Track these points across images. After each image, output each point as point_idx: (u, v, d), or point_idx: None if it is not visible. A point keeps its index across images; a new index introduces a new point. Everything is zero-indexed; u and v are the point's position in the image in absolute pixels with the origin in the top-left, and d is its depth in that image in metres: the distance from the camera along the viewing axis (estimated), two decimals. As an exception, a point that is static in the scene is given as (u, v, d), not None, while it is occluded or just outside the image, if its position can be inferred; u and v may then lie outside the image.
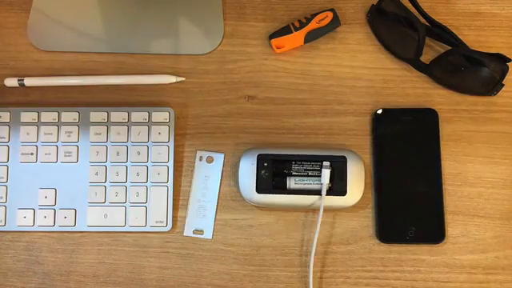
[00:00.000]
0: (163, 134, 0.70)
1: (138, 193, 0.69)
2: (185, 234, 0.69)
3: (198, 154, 0.71)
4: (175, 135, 0.71)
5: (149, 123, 0.70)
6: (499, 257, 0.68)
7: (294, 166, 0.67)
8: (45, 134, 0.70)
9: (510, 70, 0.68)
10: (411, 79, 0.73)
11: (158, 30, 0.74)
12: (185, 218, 0.70)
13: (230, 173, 0.71)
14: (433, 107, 0.72)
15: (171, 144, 0.70)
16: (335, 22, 0.73)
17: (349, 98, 0.73)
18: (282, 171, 0.67)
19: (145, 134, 0.70)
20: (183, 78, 0.73)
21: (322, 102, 0.72)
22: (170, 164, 0.70)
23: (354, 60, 0.74)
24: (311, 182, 0.66)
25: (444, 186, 0.70)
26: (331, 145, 0.71)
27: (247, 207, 0.70)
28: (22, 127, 0.70)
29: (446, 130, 0.71)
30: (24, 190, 0.69)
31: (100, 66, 0.74)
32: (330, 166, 0.66)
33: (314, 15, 0.73)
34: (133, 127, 0.70)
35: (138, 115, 0.71)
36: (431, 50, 0.74)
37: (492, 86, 0.70)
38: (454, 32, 0.71)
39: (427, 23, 0.72)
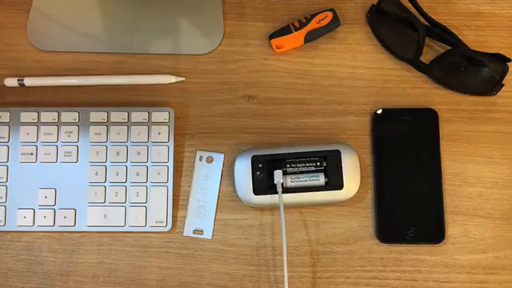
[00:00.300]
0: (163, 134, 0.70)
1: (137, 193, 0.69)
2: (185, 234, 0.69)
3: (198, 154, 0.71)
4: (175, 135, 0.71)
5: (149, 123, 0.70)
6: (499, 257, 0.68)
7: (289, 165, 0.67)
8: (45, 134, 0.70)
9: (510, 69, 0.68)
10: (411, 79, 0.73)
11: (158, 29, 0.74)
12: (185, 218, 0.70)
13: (230, 173, 0.71)
14: (433, 107, 0.72)
15: (171, 144, 0.70)
16: (335, 22, 0.73)
17: (349, 98, 0.73)
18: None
19: (145, 134, 0.70)
20: (183, 78, 0.73)
21: (322, 102, 0.72)
22: (170, 164, 0.70)
23: (354, 60, 0.74)
24: (307, 178, 0.66)
25: (444, 186, 0.70)
26: (325, 140, 0.71)
27: (247, 207, 0.70)
28: (21, 127, 0.70)
29: (446, 130, 0.71)
30: (24, 190, 0.69)
31: (100, 66, 0.74)
32: (325, 160, 0.67)
33: (313, 15, 0.73)
34: (133, 127, 0.70)
35: (138, 115, 0.71)
36: (431, 50, 0.74)
37: (492, 86, 0.70)
38: (454, 32, 0.71)
39: (427, 23, 0.72)
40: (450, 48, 0.71)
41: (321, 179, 0.66)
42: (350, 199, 0.68)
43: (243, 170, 0.67)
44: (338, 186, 0.66)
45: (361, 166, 0.69)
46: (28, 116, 0.71)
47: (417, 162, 0.70)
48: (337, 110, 0.72)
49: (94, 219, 0.69)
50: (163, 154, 0.70)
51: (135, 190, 0.69)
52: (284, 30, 0.73)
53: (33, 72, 0.73)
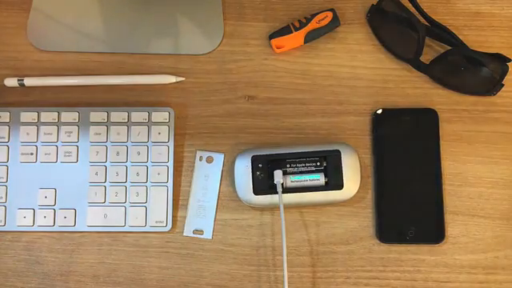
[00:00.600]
0: (163, 133, 0.70)
1: (137, 193, 0.69)
2: (185, 234, 0.69)
3: (198, 154, 0.71)
4: (175, 135, 0.71)
5: (149, 123, 0.70)
6: (499, 257, 0.68)
7: (289, 165, 0.67)
8: (45, 133, 0.70)
9: (510, 69, 0.68)
10: (411, 79, 0.73)
11: (158, 29, 0.74)
12: (185, 218, 0.70)
13: (230, 173, 0.71)
14: (433, 107, 0.72)
15: (171, 144, 0.70)
16: (335, 22, 0.73)
17: (349, 98, 0.73)
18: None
19: (145, 134, 0.70)
20: (183, 78, 0.73)
21: (322, 102, 0.72)
22: (170, 164, 0.70)
23: (354, 60, 0.74)
24: (307, 178, 0.66)
25: (444, 186, 0.70)
26: (325, 140, 0.70)
27: (247, 207, 0.70)
28: (21, 127, 0.70)
29: (445, 130, 0.71)
30: (24, 189, 0.69)
31: (100, 66, 0.74)
32: (325, 160, 0.67)
33: (313, 15, 0.73)
34: (133, 127, 0.70)
35: (138, 115, 0.71)
36: (431, 50, 0.74)
37: (492, 86, 0.70)
38: (454, 32, 0.71)
39: (427, 23, 0.72)
40: (449, 48, 0.71)
41: (321, 179, 0.66)
42: (350, 199, 0.68)
43: (243, 170, 0.67)
44: (338, 185, 0.66)
45: (361, 166, 0.69)
46: (28, 116, 0.71)
47: (417, 161, 0.70)
48: (337, 109, 0.72)
49: (93, 219, 0.69)
50: (163, 154, 0.70)
51: (135, 189, 0.69)
52: (284, 30, 0.73)
53: (33, 72, 0.73)
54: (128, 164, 0.70)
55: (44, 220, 0.69)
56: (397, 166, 0.70)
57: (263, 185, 0.67)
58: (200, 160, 0.71)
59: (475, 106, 0.72)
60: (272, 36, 0.73)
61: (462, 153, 0.71)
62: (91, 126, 0.70)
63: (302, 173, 0.67)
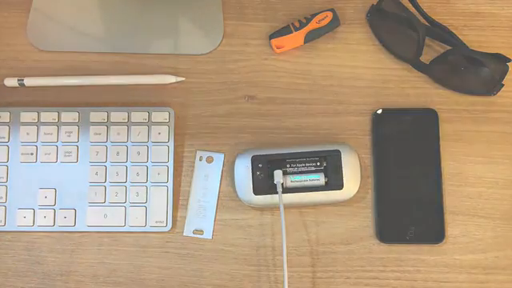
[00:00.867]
0: (163, 133, 0.70)
1: (137, 193, 0.69)
2: (185, 234, 0.69)
3: (198, 153, 0.71)
4: (175, 135, 0.71)
5: (149, 123, 0.70)
6: (499, 257, 0.68)
7: (289, 165, 0.67)
8: (45, 133, 0.70)
9: (510, 69, 0.68)
10: (411, 79, 0.73)
11: (158, 30, 0.74)
12: (185, 218, 0.70)
13: (230, 173, 0.71)
14: (433, 107, 0.72)
15: (171, 144, 0.70)
16: (335, 22, 0.73)
17: (349, 98, 0.73)
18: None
19: (145, 134, 0.70)
20: (183, 78, 0.73)
21: (322, 102, 0.72)
22: (170, 164, 0.70)
23: (354, 60, 0.74)
24: (307, 178, 0.66)
25: (444, 186, 0.70)
26: (325, 140, 0.70)
27: (247, 207, 0.70)
28: (21, 127, 0.70)
29: (445, 129, 0.71)
30: (24, 190, 0.69)
31: (100, 66, 0.74)
32: (325, 160, 0.67)
33: (313, 15, 0.73)
34: (133, 127, 0.70)
35: (138, 115, 0.71)
36: (431, 50, 0.74)
37: (492, 86, 0.70)
38: (454, 32, 0.71)
39: (427, 23, 0.72)
40: (449, 48, 0.71)
41: (321, 179, 0.66)
42: (350, 199, 0.68)
43: (243, 170, 0.67)
44: (338, 185, 0.66)
45: (361, 166, 0.69)
46: (28, 116, 0.71)
47: (417, 162, 0.70)
48: (337, 109, 0.72)
49: (94, 219, 0.69)
50: (163, 154, 0.70)
51: (135, 189, 0.69)
52: (284, 30, 0.73)
53: (33, 72, 0.73)
54: (128, 164, 0.70)
55: (44, 220, 0.69)
56: (397, 166, 0.70)
57: (263, 185, 0.67)
58: (200, 160, 0.71)
59: (475, 106, 0.72)
60: (272, 36, 0.73)
61: (462, 153, 0.71)
62: (91, 126, 0.70)
63: (301, 173, 0.67)
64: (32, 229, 0.69)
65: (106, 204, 0.69)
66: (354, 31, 0.75)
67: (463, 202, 0.70)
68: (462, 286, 0.68)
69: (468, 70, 0.70)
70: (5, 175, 0.69)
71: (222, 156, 0.71)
